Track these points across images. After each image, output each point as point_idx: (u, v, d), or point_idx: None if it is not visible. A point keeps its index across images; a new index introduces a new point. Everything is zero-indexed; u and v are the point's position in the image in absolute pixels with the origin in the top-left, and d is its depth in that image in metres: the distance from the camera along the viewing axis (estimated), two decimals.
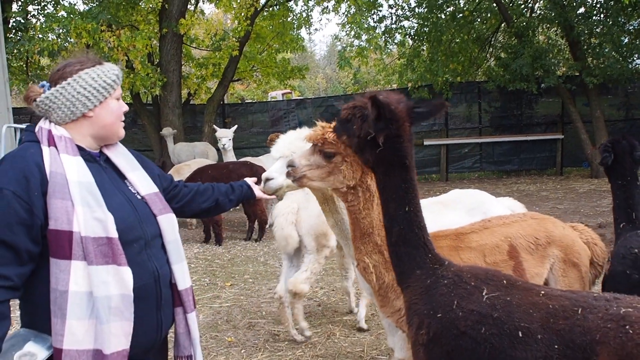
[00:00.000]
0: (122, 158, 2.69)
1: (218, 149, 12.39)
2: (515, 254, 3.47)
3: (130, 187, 2.65)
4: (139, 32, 14.18)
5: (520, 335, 2.10)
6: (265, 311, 6.58)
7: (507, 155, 16.75)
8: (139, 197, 2.64)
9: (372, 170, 2.56)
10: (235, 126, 12.74)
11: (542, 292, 2.22)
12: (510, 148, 16.74)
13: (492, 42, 17.08)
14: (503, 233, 3.55)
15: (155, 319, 2.57)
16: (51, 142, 2.42)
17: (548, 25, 15.79)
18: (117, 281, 2.35)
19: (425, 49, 16.00)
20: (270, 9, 16.72)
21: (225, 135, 11.67)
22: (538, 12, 16.02)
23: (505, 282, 2.30)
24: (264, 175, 3.98)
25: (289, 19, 17.99)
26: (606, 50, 14.03)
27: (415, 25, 16.30)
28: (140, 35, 13.60)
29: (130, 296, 2.38)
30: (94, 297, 2.32)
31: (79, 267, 2.33)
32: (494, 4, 15.04)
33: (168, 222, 2.69)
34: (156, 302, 2.57)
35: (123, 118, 2.64)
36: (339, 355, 5.29)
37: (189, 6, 15.95)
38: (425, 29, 15.80)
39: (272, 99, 30.92)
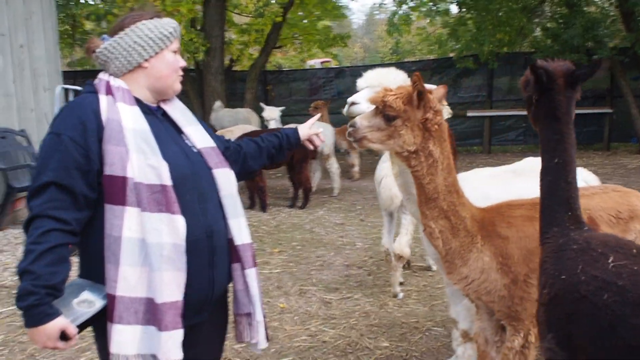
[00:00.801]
0: (179, 112, 2.70)
1: (261, 116, 12.33)
2: (595, 227, 3.31)
3: (186, 141, 2.65)
4: None
5: None
6: (315, 278, 6.58)
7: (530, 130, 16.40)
8: (195, 150, 2.63)
9: (537, 125, 2.69)
10: (283, 107, 12.46)
11: None
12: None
13: (541, 12, 16.58)
14: (582, 204, 3.40)
15: (207, 275, 2.54)
16: (109, 91, 2.45)
17: None
18: (170, 230, 2.35)
19: (471, 17, 15.59)
20: None
21: (273, 117, 11.51)
22: None
23: (635, 251, 2.23)
24: (350, 99, 4.04)
25: None
26: None
27: None
28: (185, 0, 13.56)
29: (182, 246, 2.37)
30: (147, 243, 2.32)
31: (132, 213, 2.33)
32: None
33: (224, 176, 2.67)
34: (208, 257, 2.53)
35: (180, 72, 2.64)
36: (393, 325, 5.26)
37: None
38: None
39: (311, 67, 30.80)
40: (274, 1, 16.10)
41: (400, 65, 20.86)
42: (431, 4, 15.13)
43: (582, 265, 2.23)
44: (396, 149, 3.07)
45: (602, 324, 2.10)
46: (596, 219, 3.34)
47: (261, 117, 12.25)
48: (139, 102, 2.51)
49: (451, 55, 17.74)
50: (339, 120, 13.61)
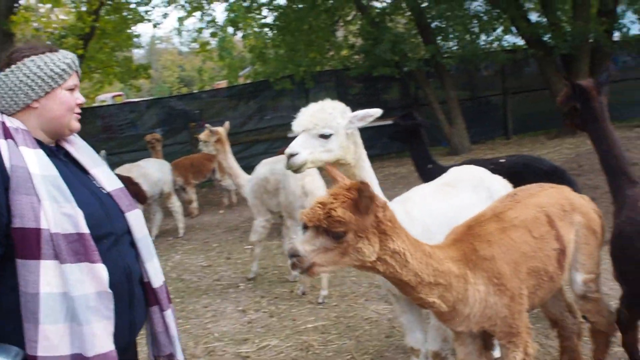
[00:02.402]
0: (84, 152, 2.59)
1: None
2: (553, 222, 3.38)
3: (94, 182, 2.54)
4: None
5: None
6: (216, 332, 5.92)
7: (371, 140, 16.97)
8: (104, 192, 2.53)
9: (583, 128, 4.21)
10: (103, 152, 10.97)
11: None
12: (373, 133, 17.00)
13: (350, 30, 17.25)
14: (535, 204, 3.44)
15: (128, 319, 2.47)
16: (7, 134, 2.28)
17: (402, 12, 16.24)
18: (93, 279, 2.25)
19: (283, 39, 15.66)
20: (115, 1, 15.35)
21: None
22: None
23: None
24: (287, 151, 3.59)
25: (126, 14, 16.70)
26: (457, 33, 14.72)
27: (272, 16, 15.95)
28: None
29: (108, 293, 2.29)
30: (71, 297, 2.21)
31: (49, 266, 2.20)
32: None
33: (137, 218, 2.60)
34: (129, 300, 2.48)
35: (78, 110, 2.51)
36: None
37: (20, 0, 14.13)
38: (281, 19, 15.50)
39: (101, 103, 28.86)
40: (70, 32, 14.59)
41: (214, 92, 20.54)
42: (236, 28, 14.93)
43: None
44: (355, 264, 2.70)
45: None
46: (551, 215, 3.41)
47: None
48: (40, 143, 2.36)
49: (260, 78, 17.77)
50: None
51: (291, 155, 3.55)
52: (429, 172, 6.18)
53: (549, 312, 3.92)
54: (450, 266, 2.91)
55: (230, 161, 7.66)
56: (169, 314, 2.67)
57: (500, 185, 4.33)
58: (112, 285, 2.33)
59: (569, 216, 3.48)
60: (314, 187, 6.40)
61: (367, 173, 3.74)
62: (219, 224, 11.26)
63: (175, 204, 10.61)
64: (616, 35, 15.82)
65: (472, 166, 4.60)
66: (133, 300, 2.50)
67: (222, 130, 7.74)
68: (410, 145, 6.75)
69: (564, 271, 3.39)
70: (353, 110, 3.76)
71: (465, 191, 4.20)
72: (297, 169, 3.61)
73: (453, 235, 3.21)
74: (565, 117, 4.34)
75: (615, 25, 15.03)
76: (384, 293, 5.73)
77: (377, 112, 3.69)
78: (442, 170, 5.17)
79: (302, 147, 3.55)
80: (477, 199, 4.08)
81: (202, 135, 8.24)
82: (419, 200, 4.04)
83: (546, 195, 3.53)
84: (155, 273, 2.61)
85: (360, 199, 2.58)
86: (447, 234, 3.30)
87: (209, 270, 8.12)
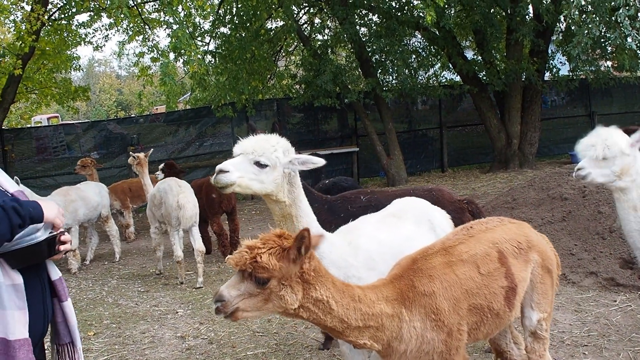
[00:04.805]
0: None
1: None
2: (504, 259, 3.40)
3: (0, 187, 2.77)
4: None
5: None
6: (153, 359, 5.74)
7: (311, 170, 17.07)
8: (9, 194, 2.75)
9: None
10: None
11: None
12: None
13: (292, 60, 17.42)
14: (489, 239, 3.47)
15: (42, 309, 2.71)
16: None
17: (343, 45, 16.54)
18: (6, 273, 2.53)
19: (226, 67, 15.65)
20: (56, 22, 15.00)
21: None
22: (333, 32, 16.67)
23: None
24: (218, 167, 3.56)
25: (66, 36, 16.34)
26: (396, 68, 15.09)
27: (216, 44, 15.95)
28: None
29: (20, 285, 2.54)
30: None
31: None
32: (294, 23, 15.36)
33: None
34: (41, 292, 2.72)
35: None
36: None
37: None
38: (224, 47, 15.51)
39: (37, 124, 27.96)
40: (8, 51, 14.15)
41: (153, 117, 20.19)
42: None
43: None
44: (278, 311, 2.78)
45: None
46: (504, 251, 3.43)
47: None
48: None
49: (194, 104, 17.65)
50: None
51: (221, 172, 3.53)
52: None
53: (494, 343, 3.96)
54: (382, 307, 2.94)
55: (146, 180, 9.27)
56: (68, 304, 2.88)
57: (442, 217, 4.44)
58: (28, 275, 2.61)
59: (524, 254, 3.49)
60: (186, 201, 8.06)
61: (304, 214, 3.72)
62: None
63: (112, 228, 10.36)
64: (547, 75, 16.60)
65: (414, 198, 4.70)
66: (45, 292, 2.75)
67: (142, 155, 9.39)
68: None
69: (513, 309, 3.38)
70: (293, 140, 3.80)
71: (409, 222, 4.27)
72: (223, 187, 3.55)
73: (395, 270, 3.24)
74: None
75: (546, 65, 15.77)
76: None
77: (320, 161, 3.72)
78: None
79: (235, 167, 3.54)
80: (420, 230, 4.15)
81: (130, 160, 9.66)
82: (365, 231, 4.06)
83: (503, 231, 3.53)
84: (53, 266, 2.85)
85: (295, 250, 2.66)
86: (392, 264, 3.33)
87: (147, 296, 7.93)
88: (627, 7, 9.73)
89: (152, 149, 9.83)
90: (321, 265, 2.85)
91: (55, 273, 2.83)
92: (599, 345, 5.12)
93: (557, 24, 15.27)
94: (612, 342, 5.15)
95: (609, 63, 17.09)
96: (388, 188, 13.26)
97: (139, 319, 6.96)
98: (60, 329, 2.88)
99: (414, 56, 15.80)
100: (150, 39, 14.72)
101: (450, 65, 16.36)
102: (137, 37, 14.68)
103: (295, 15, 16.13)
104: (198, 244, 8.18)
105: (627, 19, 9.69)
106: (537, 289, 3.59)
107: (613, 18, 10.14)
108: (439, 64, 17.00)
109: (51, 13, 14.62)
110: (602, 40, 12.52)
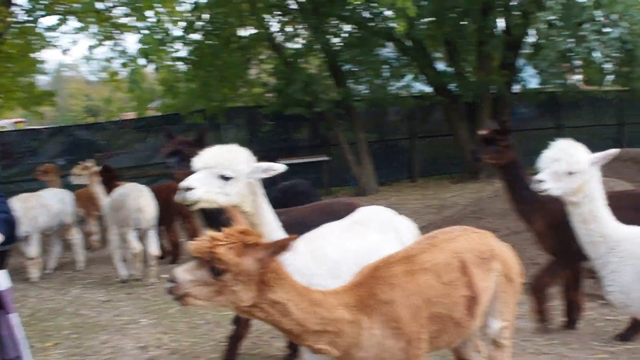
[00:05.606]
0: None
1: None
2: (466, 269, 3.42)
3: None
4: None
5: None
6: None
7: (281, 178, 17.00)
8: None
9: None
10: None
11: None
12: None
13: (263, 68, 17.36)
14: (451, 249, 3.48)
15: None
16: None
17: (315, 54, 16.56)
18: None
19: (197, 74, 15.54)
20: (22, 25, 14.74)
21: None
22: (305, 41, 16.67)
23: None
24: (183, 184, 3.48)
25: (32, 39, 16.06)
26: (367, 78, 15.16)
27: (186, 50, 15.84)
28: None
29: None
30: None
31: None
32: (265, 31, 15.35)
33: None
34: None
35: None
36: None
37: None
38: (195, 53, 15.41)
39: (1, 129, 27.40)
40: None
41: (122, 123, 19.95)
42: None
43: None
44: (228, 305, 2.78)
45: None
46: (466, 261, 3.44)
47: None
48: None
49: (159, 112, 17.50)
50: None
51: (186, 189, 3.49)
52: None
53: (457, 351, 3.96)
54: (342, 313, 2.94)
55: (97, 187, 9.31)
56: (13, 317, 2.81)
57: (407, 227, 4.45)
58: None
59: (487, 263, 3.50)
60: (146, 204, 8.50)
61: (267, 222, 3.71)
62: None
63: (75, 236, 10.13)
64: (516, 88, 16.82)
65: (380, 207, 4.69)
66: None
67: (91, 164, 9.51)
68: None
69: (475, 318, 3.39)
70: (263, 148, 3.78)
71: (374, 231, 4.27)
72: (190, 205, 3.53)
73: (357, 277, 3.23)
74: None
75: (515, 78, 15.99)
76: None
77: (281, 167, 3.71)
78: None
79: (200, 182, 3.51)
80: (385, 239, 4.15)
81: (76, 169, 9.59)
82: (330, 239, 4.06)
83: (465, 241, 3.55)
84: (2, 276, 2.78)
85: (249, 246, 2.67)
86: (355, 273, 3.31)
87: (109, 305, 7.76)
88: (592, 22, 9.92)
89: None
90: (282, 267, 2.84)
91: (4, 283, 2.75)
92: (561, 353, 5.18)
93: (526, 37, 15.51)
94: (574, 350, 5.22)
95: (579, 77, 17.41)
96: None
97: (100, 329, 6.80)
98: (5, 343, 2.79)
99: (385, 66, 15.87)
100: (120, 44, 14.62)
101: (422, 76, 16.48)
102: (105, 42, 14.54)
103: (267, 24, 16.13)
104: (153, 248, 8.64)
105: (592, 33, 9.87)
106: (499, 297, 3.60)
107: (580, 33, 10.33)
108: (411, 75, 17.11)
109: (16, 15, 14.37)
110: (569, 54, 12.75)
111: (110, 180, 9.65)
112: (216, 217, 3.76)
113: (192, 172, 4.31)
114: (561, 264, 5.51)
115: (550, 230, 5.35)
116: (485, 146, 5.68)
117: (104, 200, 9.15)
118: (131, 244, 8.51)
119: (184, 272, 2.67)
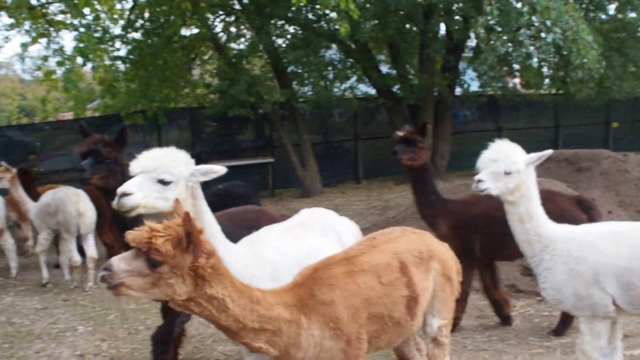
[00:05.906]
0: None
1: None
2: (406, 269, 3.46)
3: None
4: None
5: None
6: None
7: (223, 180, 16.79)
8: None
9: None
10: None
11: None
12: (225, 173, 16.90)
13: (206, 69, 17.16)
14: (391, 250, 3.52)
15: None
16: None
17: (259, 55, 16.46)
18: None
19: (137, 74, 15.21)
20: None
21: None
22: (248, 42, 16.55)
23: None
24: (120, 190, 3.39)
25: None
26: (312, 79, 15.16)
27: (126, 49, 15.49)
28: None
29: None
30: None
31: None
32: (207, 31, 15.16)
33: None
34: None
35: None
36: None
37: None
38: (135, 52, 15.08)
39: None
40: None
41: (58, 123, 19.32)
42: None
43: None
44: (163, 298, 2.76)
45: None
46: (406, 262, 3.48)
47: None
48: None
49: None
50: None
51: (123, 195, 3.39)
52: None
53: (398, 350, 4.00)
54: (280, 312, 2.94)
55: (20, 192, 9.18)
56: None
57: (348, 229, 4.45)
58: None
59: (425, 263, 3.55)
60: (86, 209, 8.39)
61: (208, 225, 3.62)
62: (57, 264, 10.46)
63: (8, 241, 9.70)
64: (458, 91, 17.14)
65: (322, 209, 4.67)
66: None
67: (14, 170, 9.39)
68: None
69: (415, 317, 3.43)
70: (206, 150, 3.71)
71: (315, 233, 4.25)
72: (127, 211, 3.42)
73: (297, 278, 3.23)
74: None
75: (457, 81, 16.29)
76: None
77: (221, 169, 3.65)
78: None
79: (138, 188, 3.42)
80: (326, 241, 4.15)
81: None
82: (270, 241, 4.02)
83: (405, 241, 3.59)
84: None
85: (184, 236, 2.64)
86: (296, 274, 3.30)
87: (44, 313, 7.47)
88: (529, 28, 10.19)
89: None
90: (221, 263, 2.82)
91: None
92: (499, 349, 5.32)
93: (467, 41, 15.83)
94: (511, 346, 5.36)
95: (517, 80, 17.88)
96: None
97: (34, 338, 6.54)
98: None
99: (329, 68, 15.91)
100: (55, 42, 14.17)
101: (366, 78, 16.60)
102: (40, 40, 14.07)
103: (210, 23, 15.95)
104: (91, 251, 8.53)
105: (528, 39, 10.14)
106: (438, 296, 3.66)
107: (518, 38, 10.59)
108: (355, 77, 17.22)
109: None
110: (508, 58, 13.06)
111: (28, 183, 9.44)
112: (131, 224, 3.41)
113: (107, 176, 4.21)
114: (465, 266, 5.59)
115: (453, 234, 5.43)
116: (404, 147, 5.65)
117: (29, 204, 9.04)
118: (73, 256, 8.43)
119: (119, 261, 2.64)
